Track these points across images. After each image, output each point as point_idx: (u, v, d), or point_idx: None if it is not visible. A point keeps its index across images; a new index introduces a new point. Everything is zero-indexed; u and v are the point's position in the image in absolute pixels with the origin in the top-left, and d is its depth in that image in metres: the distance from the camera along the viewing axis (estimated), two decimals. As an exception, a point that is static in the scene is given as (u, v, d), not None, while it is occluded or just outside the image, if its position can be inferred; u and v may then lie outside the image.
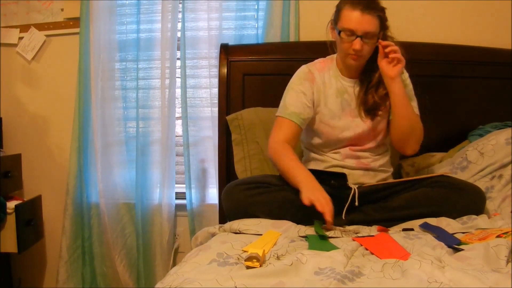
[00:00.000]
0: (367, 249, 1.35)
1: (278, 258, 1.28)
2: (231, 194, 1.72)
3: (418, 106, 1.89)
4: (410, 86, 1.90)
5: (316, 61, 1.94)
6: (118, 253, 2.50)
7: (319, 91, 1.86)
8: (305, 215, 1.65)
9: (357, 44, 1.71)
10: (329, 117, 1.85)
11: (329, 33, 1.85)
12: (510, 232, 1.35)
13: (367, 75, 1.84)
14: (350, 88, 1.86)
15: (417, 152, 1.93)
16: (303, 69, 1.91)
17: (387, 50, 1.74)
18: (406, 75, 1.90)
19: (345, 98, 1.86)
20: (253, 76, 2.31)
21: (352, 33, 1.72)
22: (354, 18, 1.71)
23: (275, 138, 1.81)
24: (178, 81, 2.48)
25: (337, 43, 1.83)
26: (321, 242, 1.42)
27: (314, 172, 1.84)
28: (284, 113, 1.83)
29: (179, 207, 2.55)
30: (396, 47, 1.73)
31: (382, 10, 1.76)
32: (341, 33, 1.73)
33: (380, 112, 1.84)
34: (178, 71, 2.47)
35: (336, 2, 1.82)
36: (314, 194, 1.57)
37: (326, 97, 1.86)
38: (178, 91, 2.49)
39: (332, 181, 1.77)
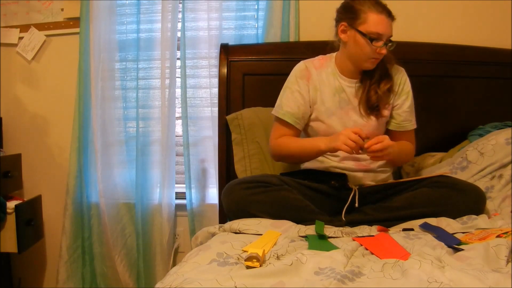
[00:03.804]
0: (367, 249, 1.35)
1: (278, 258, 1.28)
2: (231, 193, 1.72)
3: (418, 103, 1.89)
4: (412, 101, 1.89)
5: (315, 57, 1.93)
6: (118, 253, 2.50)
7: (316, 89, 1.86)
8: (305, 215, 1.65)
9: (384, 49, 1.74)
10: (326, 115, 1.85)
11: (339, 34, 1.81)
12: (510, 232, 1.35)
13: (367, 73, 1.84)
14: (348, 87, 1.85)
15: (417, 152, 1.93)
16: (300, 66, 1.91)
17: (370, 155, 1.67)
18: (408, 87, 1.89)
19: (343, 97, 1.85)
20: (253, 76, 2.31)
21: (379, 37, 1.72)
22: (382, 22, 1.72)
23: (273, 138, 1.88)
24: (178, 81, 2.48)
25: (351, 45, 1.79)
26: (321, 242, 1.42)
27: (315, 172, 1.84)
28: (279, 113, 1.87)
29: (179, 207, 2.55)
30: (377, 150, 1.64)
31: None
32: (368, 36, 1.72)
33: (384, 111, 1.84)
34: (178, 71, 2.47)
35: (338, 3, 1.81)
36: (339, 139, 1.64)
37: (322, 95, 1.86)
38: (178, 91, 2.49)
39: (332, 182, 1.78)
